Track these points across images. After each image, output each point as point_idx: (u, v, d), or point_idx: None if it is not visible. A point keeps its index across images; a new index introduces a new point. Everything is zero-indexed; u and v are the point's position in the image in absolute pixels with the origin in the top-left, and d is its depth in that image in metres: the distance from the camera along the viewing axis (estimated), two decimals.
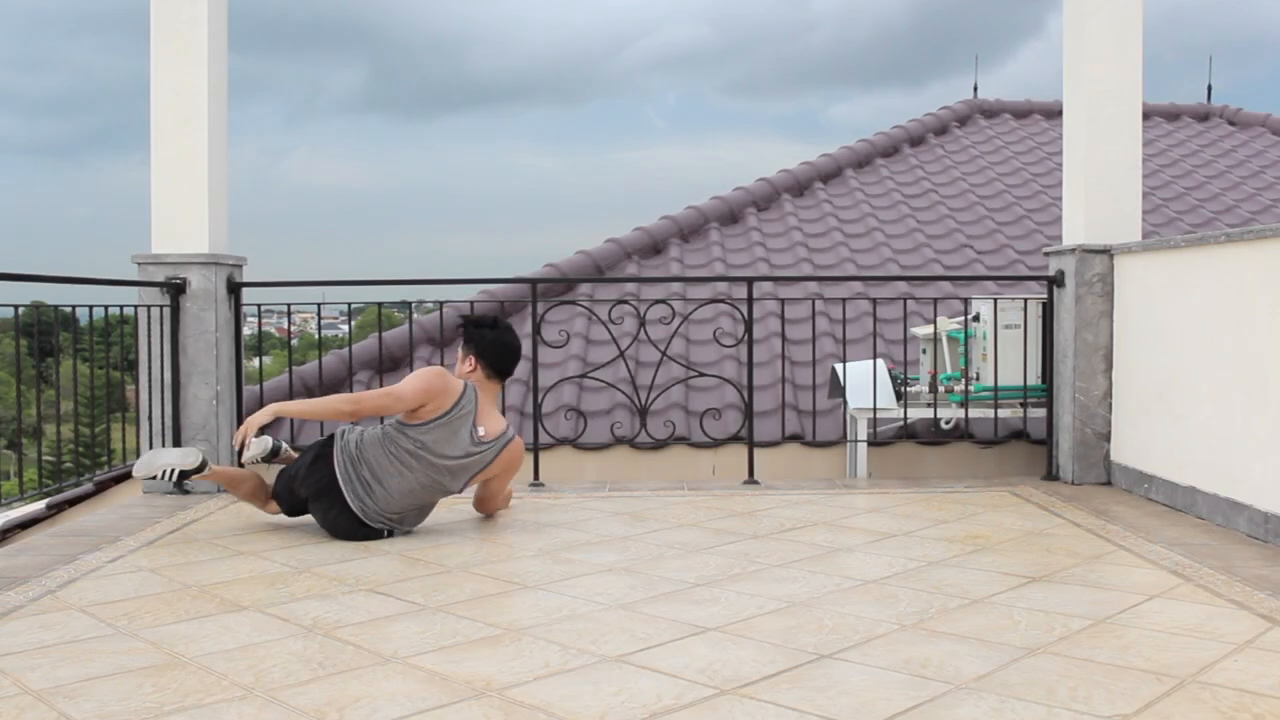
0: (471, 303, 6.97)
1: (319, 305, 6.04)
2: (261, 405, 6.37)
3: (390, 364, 6.98)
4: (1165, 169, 10.84)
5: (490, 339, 4.37)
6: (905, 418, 5.87)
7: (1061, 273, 5.41)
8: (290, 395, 6.56)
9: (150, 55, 5.19)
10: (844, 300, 6.30)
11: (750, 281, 5.67)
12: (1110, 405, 5.27)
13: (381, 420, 4.45)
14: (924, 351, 6.18)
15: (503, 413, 6.08)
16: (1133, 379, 5.08)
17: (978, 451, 6.12)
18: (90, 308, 4.89)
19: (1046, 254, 5.63)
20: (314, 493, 4.18)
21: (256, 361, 7.34)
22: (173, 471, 4.35)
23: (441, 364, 6.32)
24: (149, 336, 5.06)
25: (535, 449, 5.52)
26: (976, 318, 5.80)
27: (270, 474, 4.49)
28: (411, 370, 6.32)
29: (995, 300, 5.71)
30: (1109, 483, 5.26)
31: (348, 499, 4.08)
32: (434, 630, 2.97)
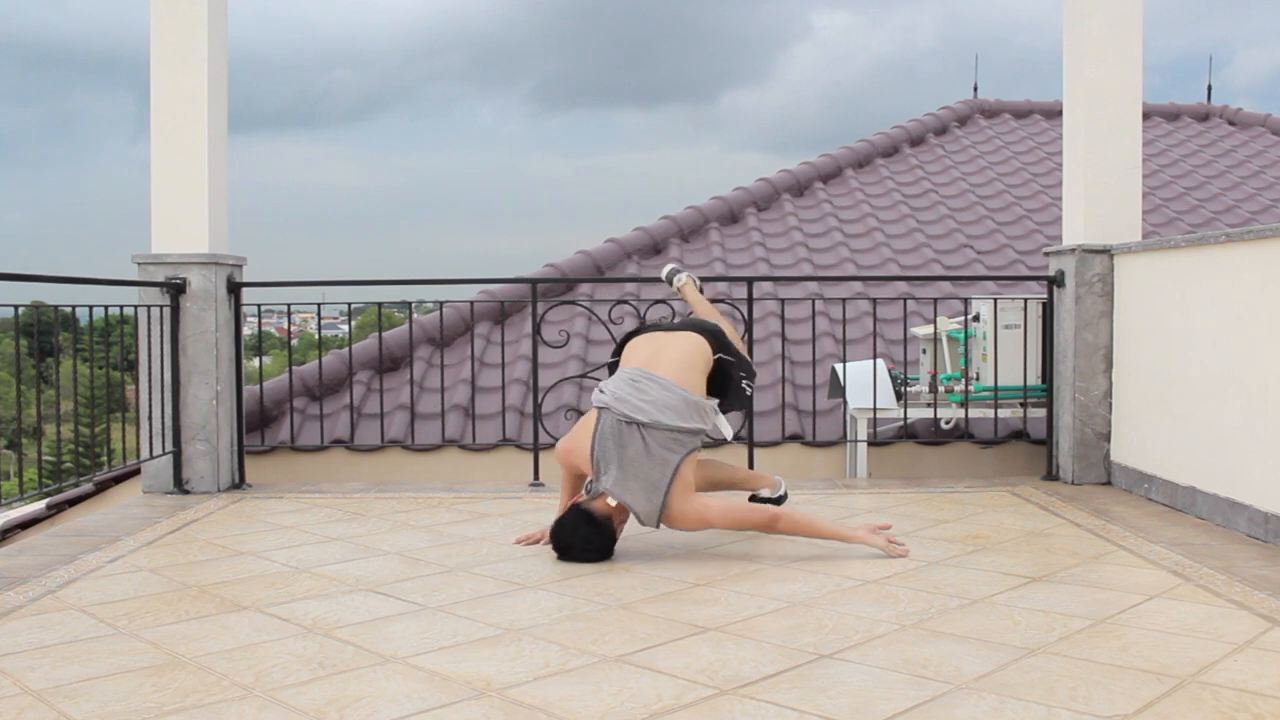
0: (472, 303, 6.98)
1: (319, 305, 6.04)
2: (261, 405, 6.39)
3: (390, 364, 6.98)
4: (1165, 169, 10.84)
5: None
6: (905, 418, 5.87)
7: (1061, 273, 5.41)
8: (290, 395, 6.55)
9: (150, 54, 5.19)
10: (844, 300, 6.30)
11: (750, 281, 5.67)
12: (1110, 405, 5.27)
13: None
14: (924, 351, 6.18)
15: (503, 411, 6.08)
16: (1133, 379, 5.08)
17: (978, 451, 6.12)
18: (90, 308, 4.89)
19: (1046, 254, 5.63)
20: None
21: (256, 361, 7.34)
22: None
23: (442, 364, 6.33)
24: (149, 336, 5.06)
25: (535, 449, 5.52)
26: (976, 318, 5.80)
27: None
28: (412, 370, 6.33)
29: (995, 300, 5.71)
30: (1109, 483, 5.26)
31: None
32: (434, 630, 2.97)
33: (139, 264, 5.22)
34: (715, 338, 4.02)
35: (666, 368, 3.87)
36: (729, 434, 4.08)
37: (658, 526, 3.79)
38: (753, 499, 4.23)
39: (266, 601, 3.28)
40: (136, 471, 5.60)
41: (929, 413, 5.87)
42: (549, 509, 4.73)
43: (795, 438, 6.21)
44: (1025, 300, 5.69)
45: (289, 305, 5.77)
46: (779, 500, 4.21)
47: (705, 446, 4.02)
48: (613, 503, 3.71)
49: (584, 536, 3.72)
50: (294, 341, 8.22)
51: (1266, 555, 3.76)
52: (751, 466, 5.50)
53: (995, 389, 5.69)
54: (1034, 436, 6.00)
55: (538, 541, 4.01)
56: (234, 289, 5.38)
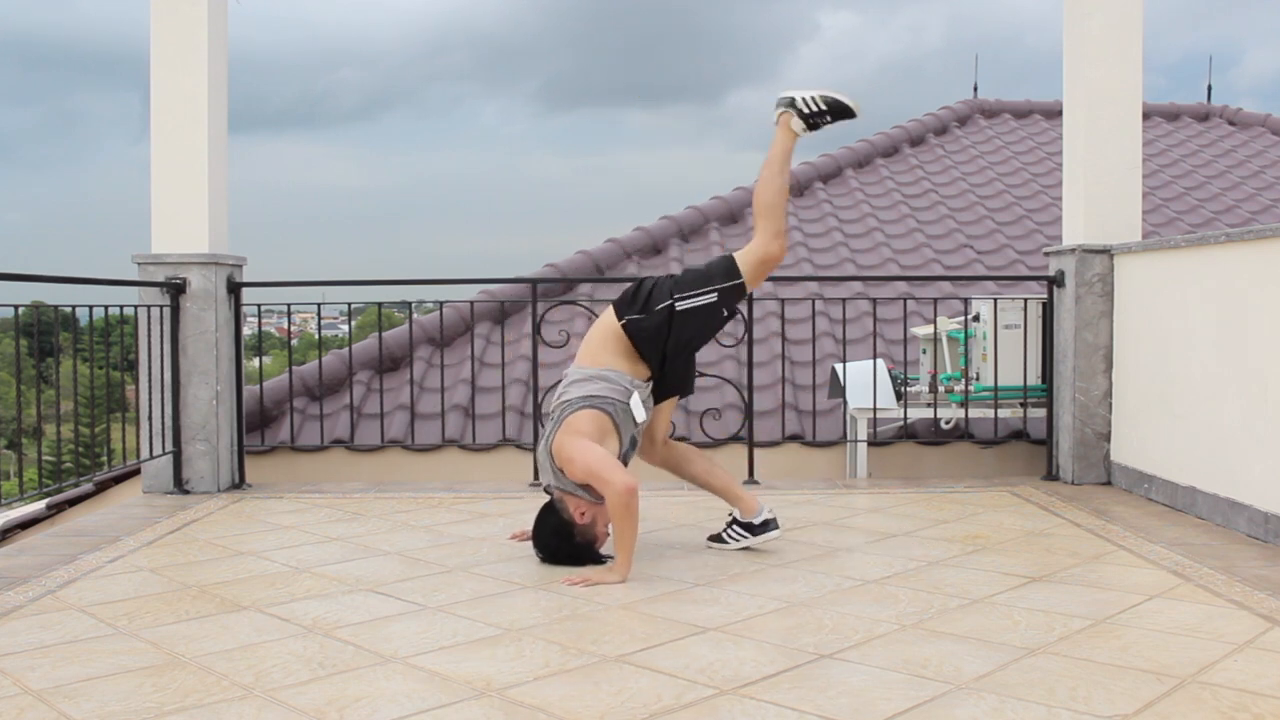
0: (472, 303, 6.98)
1: (319, 305, 6.04)
2: (261, 405, 6.39)
3: (390, 364, 6.98)
4: (1165, 169, 10.84)
5: None
6: (905, 418, 5.87)
7: (1061, 273, 5.41)
8: (290, 395, 6.55)
9: (150, 54, 5.19)
10: (844, 300, 6.31)
11: None
12: (1110, 405, 5.27)
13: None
14: (924, 351, 6.18)
15: (503, 411, 6.10)
16: (1133, 379, 5.08)
17: (978, 451, 6.12)
18: (90, 308, 4.89)
19: (1046, 254, 5.63)
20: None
21: (256, 361, 7.34)
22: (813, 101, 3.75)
23: (442, 364, 6.33)
24: (149, 336, 5.06)
25: (535, 449, 5.51)
26: (976, 318, 5.80)
27: None
28: (412, 370, 6.34)
29: (995, 300, 5.71)
30: (1109, 483, 5.25)
31: None
32: (434, 630, 2.97)
33: (139, 264, 5.22)
34: (622, 304, 3.78)
35: (578, 359, 3.85)
36: (639, 415, 3.74)
37: (560, 476, 3.71)
38: (732, 525, 3.90)
39: (266, 601, 3.28)
40: (136, 471, 5.60)
41: (929, 413, 5.87)
42: None
43: (795, 438, 6.21)
44: (1025, 300, 5.69)
45: (289, 305, 5.77)
46: (760, 528, 3.85)
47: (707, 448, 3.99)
48: (585, 514, 3.67)
49: (544, 544, 3.74)
50: (294, 341, 8.22)
51: (1266, 555, 3.76)
52: (751, 466, 5.50)
53: (995, 389, 5.69)
54: (1034, 436, 6.00)
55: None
56: (234, 289, 5.38)
